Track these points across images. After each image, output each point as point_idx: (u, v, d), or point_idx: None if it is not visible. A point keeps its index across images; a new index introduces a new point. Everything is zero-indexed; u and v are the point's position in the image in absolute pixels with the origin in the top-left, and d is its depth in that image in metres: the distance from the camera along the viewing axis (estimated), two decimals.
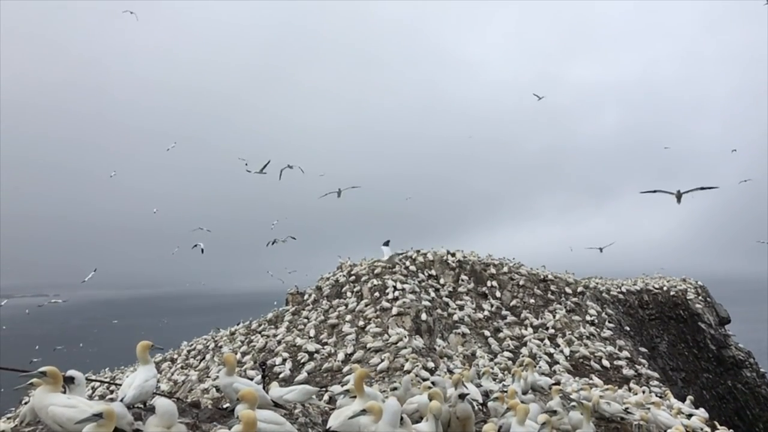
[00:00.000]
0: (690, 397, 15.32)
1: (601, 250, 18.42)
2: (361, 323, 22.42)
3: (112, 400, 6.67)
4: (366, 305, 23.88)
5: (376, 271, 26.97)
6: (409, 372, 15.19)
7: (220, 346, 25.61)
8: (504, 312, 26.69)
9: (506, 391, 8.79)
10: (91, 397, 6.23)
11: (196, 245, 21.37)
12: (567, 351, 22.95)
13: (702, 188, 10.75)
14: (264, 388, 8.23)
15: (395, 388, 8.62)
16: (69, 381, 5.70)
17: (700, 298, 37.47)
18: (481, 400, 9.34)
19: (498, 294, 28.11)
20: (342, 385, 9.81)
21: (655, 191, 11.31)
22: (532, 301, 27.63)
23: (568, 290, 29.05)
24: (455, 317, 24.83)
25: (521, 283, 28.73)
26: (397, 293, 23.98)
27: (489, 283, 28.66)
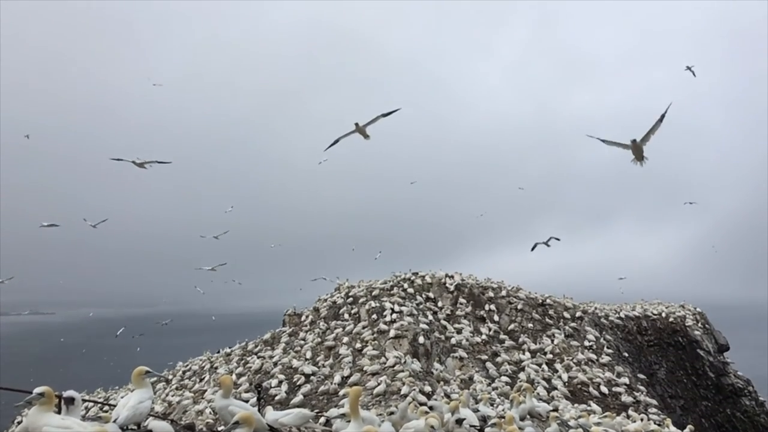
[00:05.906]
0: (690, 426, 15.15)
1: (558, 239, 18.30)
2: (358, 345, 22.27)
3: (101, 418, 6.60)
4: (363, 327, 23.75)
5: (374, 293, 26.91)
6: (406, 396, 15.06)
7: (216, 367, 25.39)
8: (502, 336, 26.52)
9: (504, 417, 8.73)
10: (84, 418, 6.16)
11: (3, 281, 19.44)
12: (565, 377, 22.78)
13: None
14: (259, 410, 8.17)
15: (392, 413, 8.56)
16: (69, 402, 5.65)
17: (698, 324, 37.23)
18: (477, 425, 9.27)
19: (496, 318, 27.98)
20: (338, 408, 9.74)
21: (611, 143, 10.50)
22: (530, 325, 27.49)
23: (567, 315, 28.93)
24: (453, 341, 24.67)
25: (519, 307, 28.62)
26: (394, 316, 23.89)
27: (487, 307, 28.54)
